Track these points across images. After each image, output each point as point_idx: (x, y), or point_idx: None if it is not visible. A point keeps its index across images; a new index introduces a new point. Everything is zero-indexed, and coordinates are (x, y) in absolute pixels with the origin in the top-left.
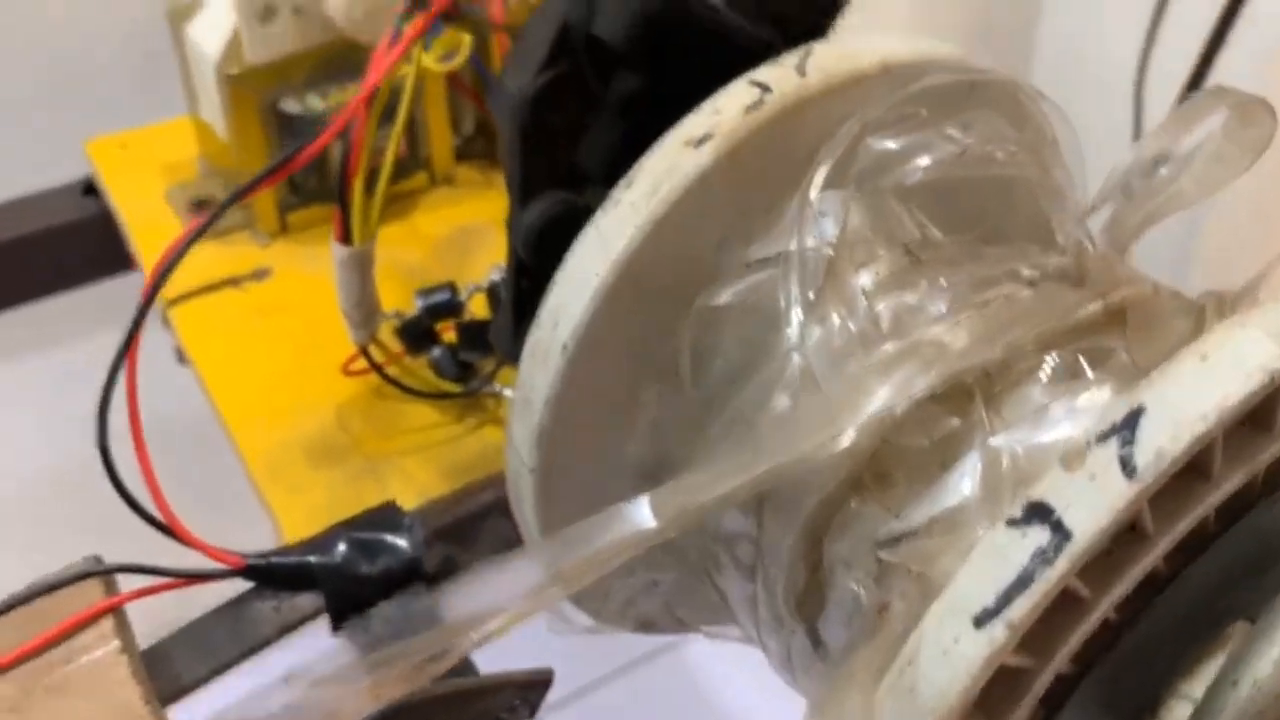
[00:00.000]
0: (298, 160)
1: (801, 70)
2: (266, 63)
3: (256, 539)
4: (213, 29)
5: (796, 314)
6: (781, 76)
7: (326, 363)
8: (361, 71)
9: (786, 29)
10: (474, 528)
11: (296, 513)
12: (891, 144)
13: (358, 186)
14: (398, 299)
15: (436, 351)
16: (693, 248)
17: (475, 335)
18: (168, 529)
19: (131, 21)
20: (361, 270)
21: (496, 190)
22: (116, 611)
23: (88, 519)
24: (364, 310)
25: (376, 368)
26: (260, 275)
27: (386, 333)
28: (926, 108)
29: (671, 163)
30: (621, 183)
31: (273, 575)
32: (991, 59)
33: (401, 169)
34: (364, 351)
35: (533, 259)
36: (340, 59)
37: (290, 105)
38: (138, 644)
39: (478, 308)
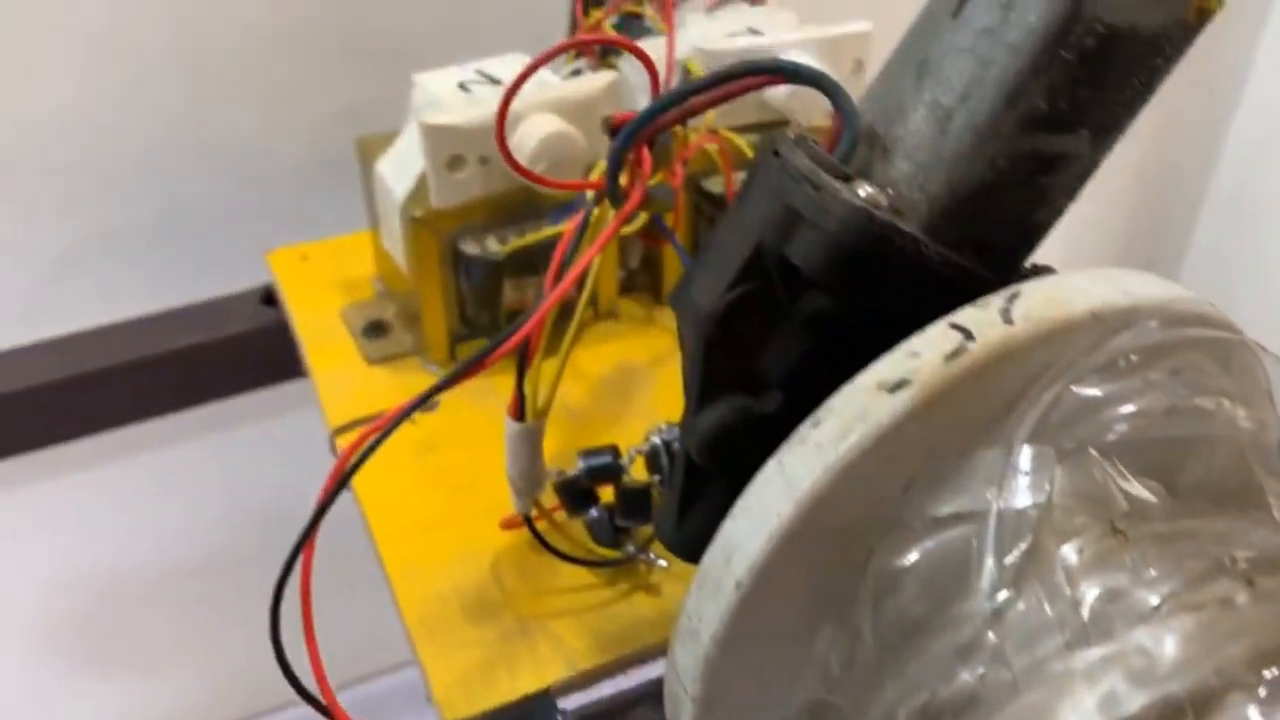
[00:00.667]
0: (496, 352)
1: (1007, 317)
2: (450, 207)
3: None
4: (401, 168)
5: (991, 582)
6: (986, 322)
7: (486, 507)
8: (540, 215)
9: (986, 256)
10: (623, 716)
11: (449, 674)
12: (1095, 391)
13: (535, 367)
14: (556, 441)
15: (594, 513)
16: (879, 490)
17: (634, 502)
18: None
19: (319, 130)
20: (531, 444)
21: (659, 327)
22: None
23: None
24: (529, 480)
25: (537, 535)
26: (428, 407)
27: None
28: (1134, 353)
29: (864, 407)
30: (809, 420)
31: None
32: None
33: (566, 305)
34: (527, 519)
35: (706, 461)
36: (521, 204)
37: (469, 246)
38: None
39: (638, 471)
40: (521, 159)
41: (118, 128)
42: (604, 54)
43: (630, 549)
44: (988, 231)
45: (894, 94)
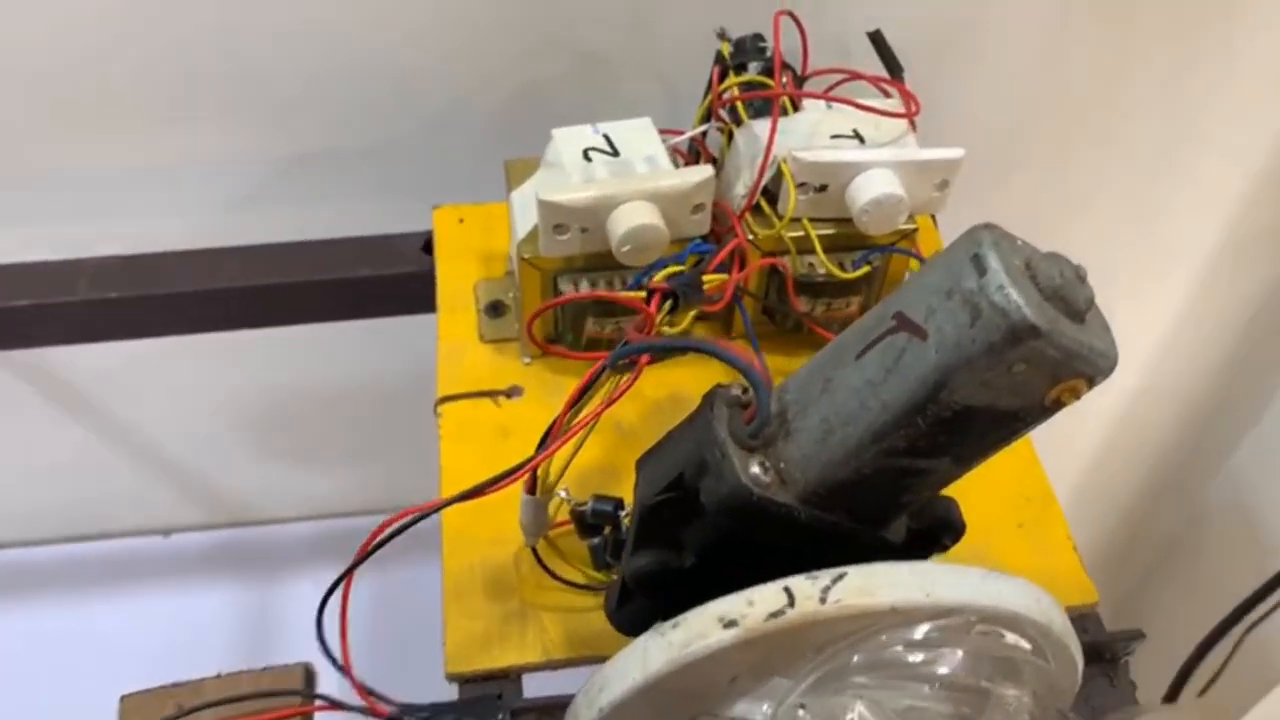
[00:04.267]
0: (509, 479)
1: (824, 596)
2: (553, 256)
3: None
4: (525, 208)
5: None
6: (806, 595)
7: None
8: (624, 274)
9: (857, 516)
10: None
11: (459, 634)
12: (863, 677)
13: (541, 476)
14: (598, 453)
15: (596, 541)
16: (708, 678)
17: (618, 549)
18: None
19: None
20: (539, 508)
21: (718, 364)
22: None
23: None
24: (535, 527)
25: (539, 560)
26: (514, 393)
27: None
28: (913, 646)
29: (704, 630)
30: (670, 622)
31: None
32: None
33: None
34: (533, 550)
35: (634, 588)
36: (613, 257)
37: (565, 285)
38: None
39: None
40: (612, 240)
41: (349, 55)
42: (732, 116)
43: (615, 578)
44: (858, 504)
45: (808, 390)
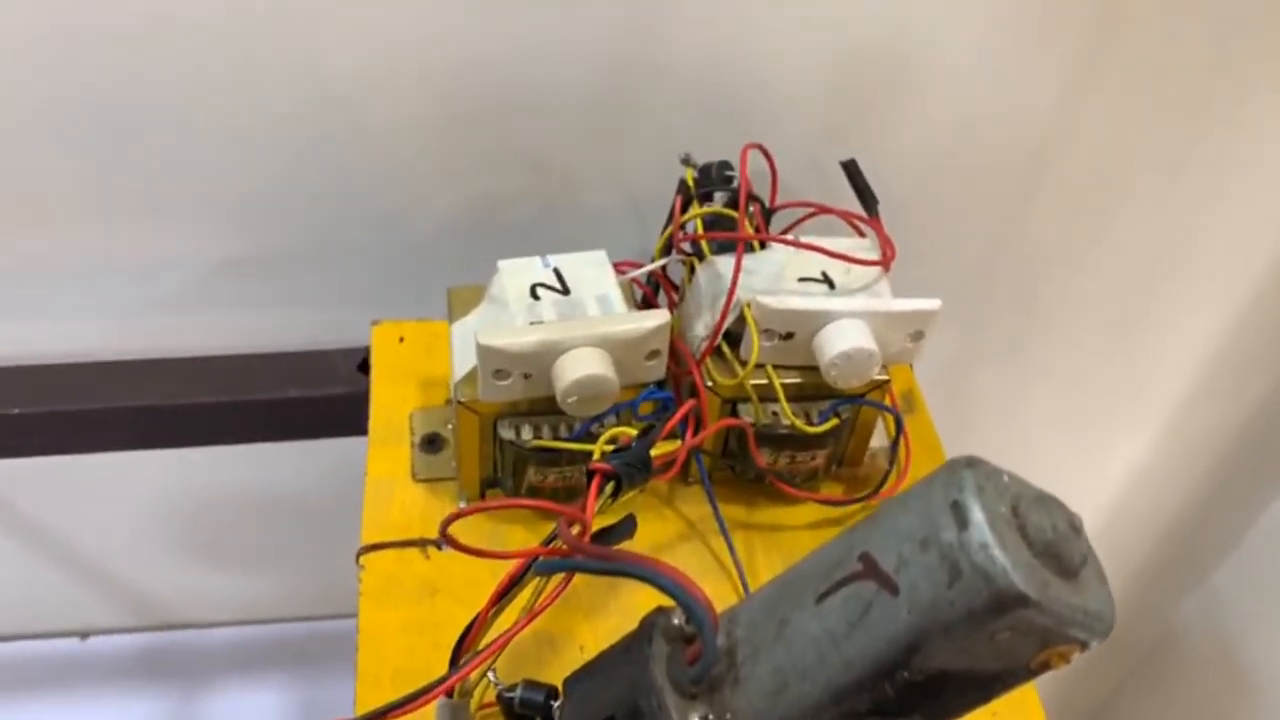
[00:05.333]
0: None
1: None
2: (493, 402)
3: None
4: (465, 346)
5: None
6: None
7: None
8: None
9: None
10: None
11: None
12: None
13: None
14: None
15: None
16: None
17: None
18: None
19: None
20: (459, 711)
21: (675, 510)
22: None
23: None
24: None
25: None
26: (445, 543)
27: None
28: None
29: None
30: None
31: None
32: None
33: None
34: None
35: None
36: (555, 406)
37: (505, 430)
38: None
39: None
40: (556, 389)
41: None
42: (693, 250)
43: None
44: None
45: (761, 630)
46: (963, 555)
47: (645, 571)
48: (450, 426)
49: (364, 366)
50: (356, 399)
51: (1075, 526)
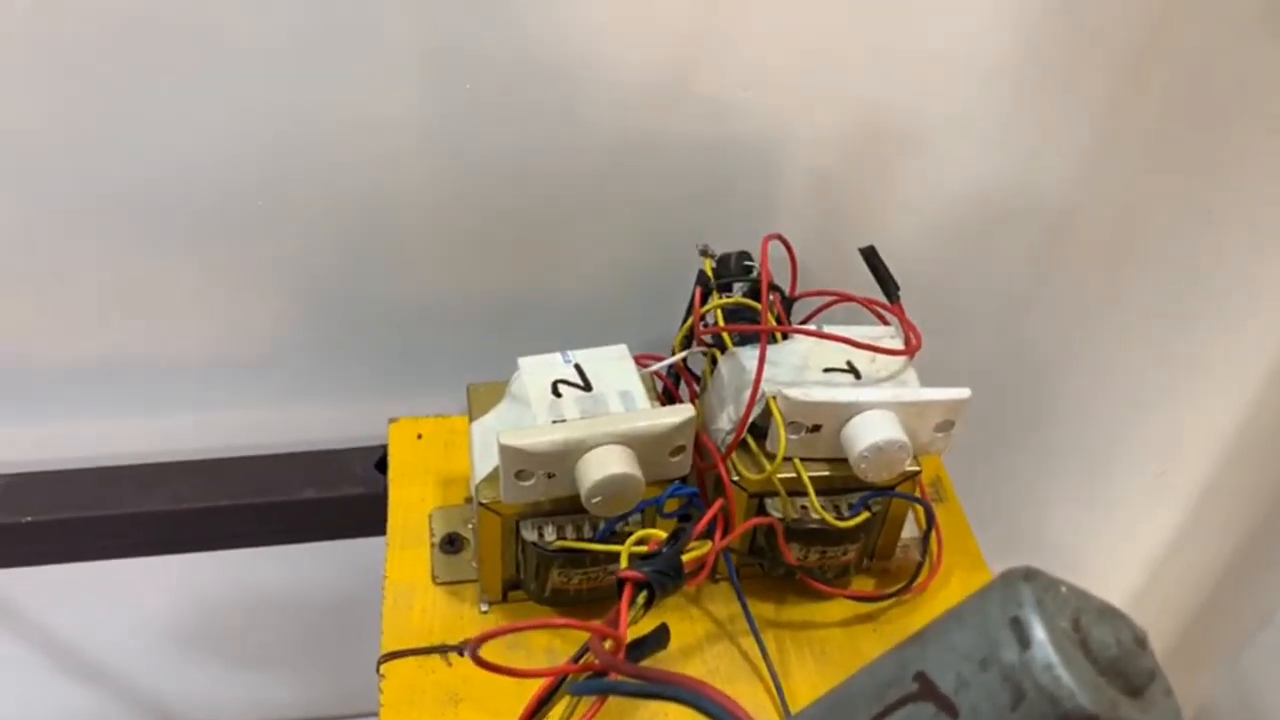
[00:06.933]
0: None
1: None
2: (516, 503)
3: None
4: (486, 445)
5: None
6: None
7: None
8: (593, 522)
9: None
10: None
11: None
12: None
13: None
14: None
15: None
16: None
17: None
18: None
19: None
20: None
21: (701, 609)
22: None
23: None
24: None
25: None
26: (468, 648)
27: None
28: None
29: None
30: None
31: None
32: None
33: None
34: None
35: None
36: (578, 506)
37: (528, 532)
38: None
39: None
40: (581, 489)
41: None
42: (715, 342)
43: None
44: None
45: None
46: (1026, 676)
47: (690, 696)
48: (470, 526)
49: (381, 465)
50: (374, 499)
51: (1140, 640)
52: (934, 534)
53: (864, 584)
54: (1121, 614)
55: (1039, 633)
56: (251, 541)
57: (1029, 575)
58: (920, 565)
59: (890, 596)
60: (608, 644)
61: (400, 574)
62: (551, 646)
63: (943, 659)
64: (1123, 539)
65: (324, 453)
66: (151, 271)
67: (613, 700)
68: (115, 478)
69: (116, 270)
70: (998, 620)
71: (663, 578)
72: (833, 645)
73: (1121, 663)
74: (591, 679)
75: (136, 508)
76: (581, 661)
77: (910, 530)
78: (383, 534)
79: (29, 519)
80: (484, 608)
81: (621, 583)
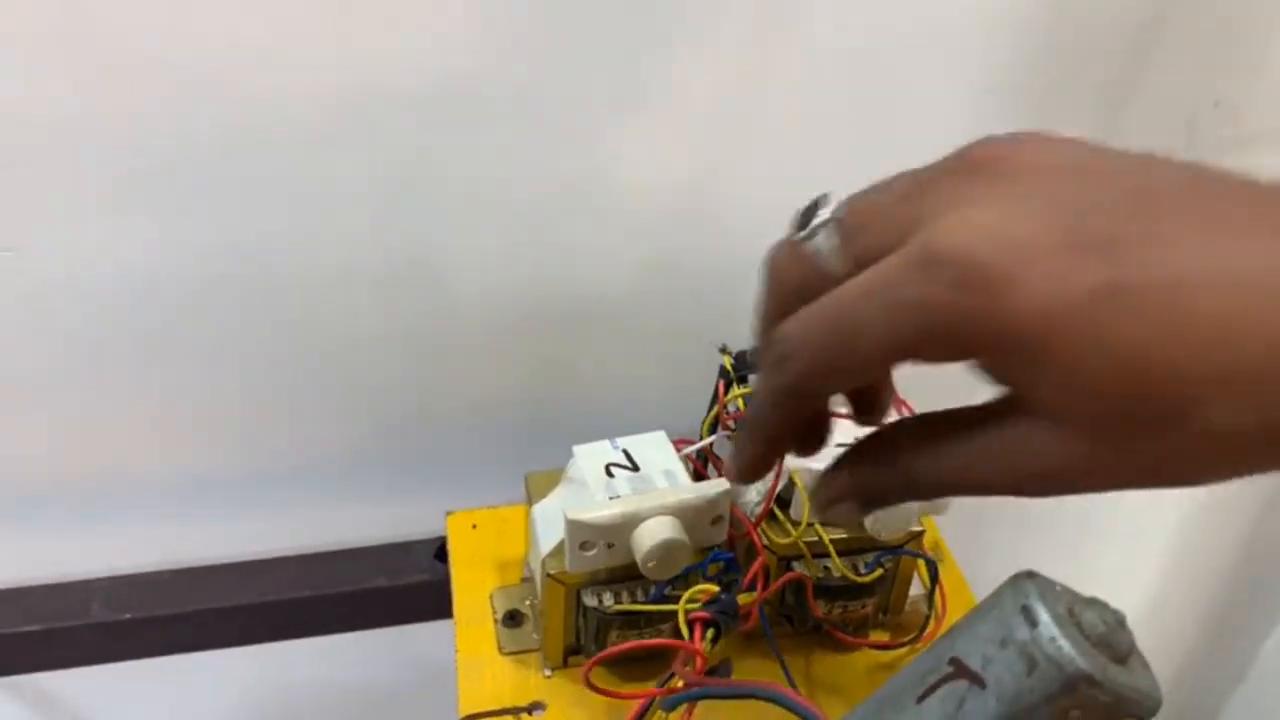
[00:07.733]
0: None
1: None
2: (579, 572)
3: None
4: (549, 523)
5: None
6: None
7: None
8: (646, 584)
9: None
10: None
11: None
12: None
13: None
14: None
15: None
16: None
17: None
18: None
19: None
20: None
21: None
22: None
23: None
24: None
25: None
26: (536, 709)
27: None
28: None
29: None
30: None
31: None
32: None
33: None
34: None
35: None
36: (634, 571)
37: (589, 598)
38: None
39: None
40: (637, 555)
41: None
42: (738, 427)
43: None
44: None
45: None
46: (1036, 649)
47: (771, 693)
48: (528, 603)
49: (441, 554)
50: (436, 585)
51: (1120, 621)
52: (938, 588)
53: (880, 635)
54: (1104, 602)
55: (1044, 615)
56: (327, 629)
57: (1031, 574)
58: (928, 617)
59: (905, 645)
60: (689, 666)
61: (469, 648)
62: (611, 705)
63: (970, 644)
64: (1112, 576)
65: (388, 545)
66: (247, 392)
67: None
68: (198, 577)
69: (213, 393)
70: (1011, 609)
71: (726, 617)
72: (859, 693)
73: (1108, 637)
74: (684, 691)
75: (220, 603)
76: (666, 685)
77: (916, 586)
78: (444, 617)
79: (129, 616)
80: (547, 672)
81: (692, 624)
